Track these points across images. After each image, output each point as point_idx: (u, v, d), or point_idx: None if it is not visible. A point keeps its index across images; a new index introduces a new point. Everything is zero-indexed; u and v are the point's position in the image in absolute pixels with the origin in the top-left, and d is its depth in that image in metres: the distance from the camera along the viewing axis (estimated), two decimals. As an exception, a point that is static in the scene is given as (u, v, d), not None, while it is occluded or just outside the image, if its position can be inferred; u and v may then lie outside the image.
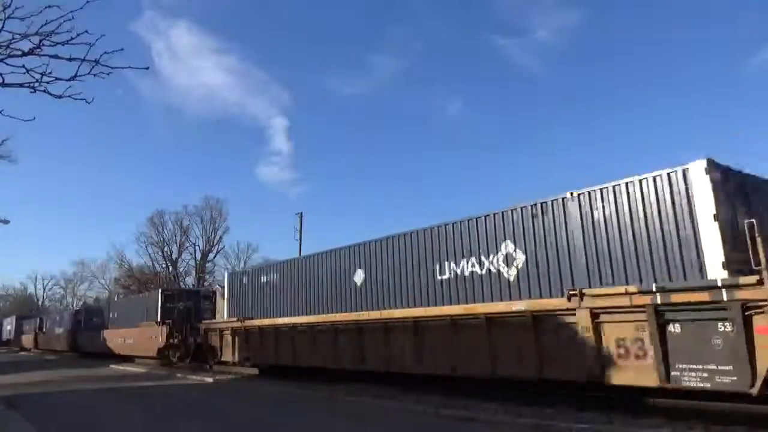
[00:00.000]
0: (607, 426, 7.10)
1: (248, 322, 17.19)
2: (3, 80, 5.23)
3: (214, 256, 61.49)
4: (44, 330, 44.26)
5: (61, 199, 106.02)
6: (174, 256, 60.39)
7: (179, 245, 60.35)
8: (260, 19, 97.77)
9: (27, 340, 48.58)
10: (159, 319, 24.18)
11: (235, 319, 18.32)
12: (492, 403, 9.15)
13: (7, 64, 5.05)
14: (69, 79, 5.06)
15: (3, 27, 5.03)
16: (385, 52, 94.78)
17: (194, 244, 60.79)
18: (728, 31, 71.70)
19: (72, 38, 4.70)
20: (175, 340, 22.69)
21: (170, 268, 59.77)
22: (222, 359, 18.44)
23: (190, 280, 58.30)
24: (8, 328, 57.21)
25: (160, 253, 60.10)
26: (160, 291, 26.08)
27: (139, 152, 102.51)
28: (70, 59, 4.87)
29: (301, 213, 36.99)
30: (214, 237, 60.61)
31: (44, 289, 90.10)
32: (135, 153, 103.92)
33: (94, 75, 4.95)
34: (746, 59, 73.65)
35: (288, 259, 19.68)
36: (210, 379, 16.65)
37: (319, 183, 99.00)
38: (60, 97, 5.34)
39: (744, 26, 69.67)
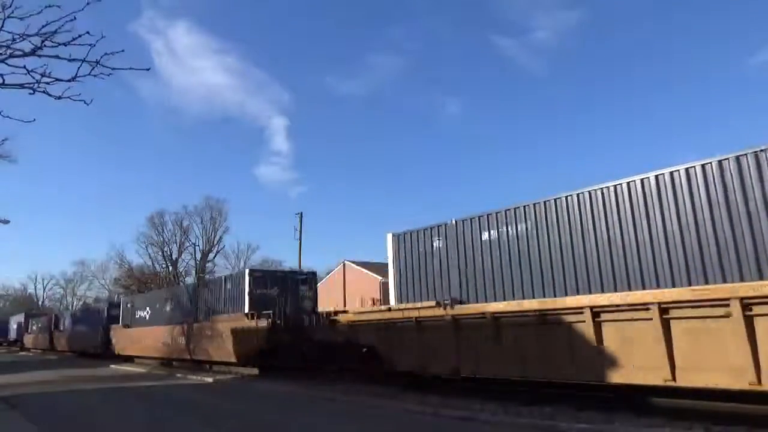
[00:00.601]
0: (608, 426, 7.10)
1: (463, 309, 10.81)
2: (3, 81, 5.23)
3: (214, 256, 61.53)
4: (61, 328, 40.01)
5: (61, 199, 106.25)
6: (174, 256, 60.50)
7: (179, 245, 60.45)
8: (260, 19, 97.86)
9: (39, 339, 45.05)
10: (248, 310, 17.83)
11: (432, 303, 11.73)
12: (492, 403, 9.15)
13: (8, 65, 5.05)
14: (69, 80, 5.06)
15: (2, 27, 5.03)
16: (385, 51, 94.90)
17: (194, 244, 60.86)
18: (728, 31, 71.70)
19: (74, 38, 4.71)
20: (286, 339, 16.24)
21: (170, 268, 59.83)
22: (398, 368, 12.07)
23: (189, 281, 58.37)
24: (14, 326, 54.59)
25: (160, 253, 60.21)
26: (247, 272, 19.36)
27: (138, 152, 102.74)
28: (70, 60, 4.87)
29: (301, 213, 36.93)
30: (214, 237, 60.67)
31: (44, 289, 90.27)
32: (135, 153, 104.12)
33: (95, 76, 4.95)
34: (746, 59, 73.67)
35: (565, 194, 10.98)
36: (210, 379, 16.66)
37: (318, 183, 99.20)
38: (59, 98, 5.33)
39: (744, 26, 69.63)
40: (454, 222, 13.56)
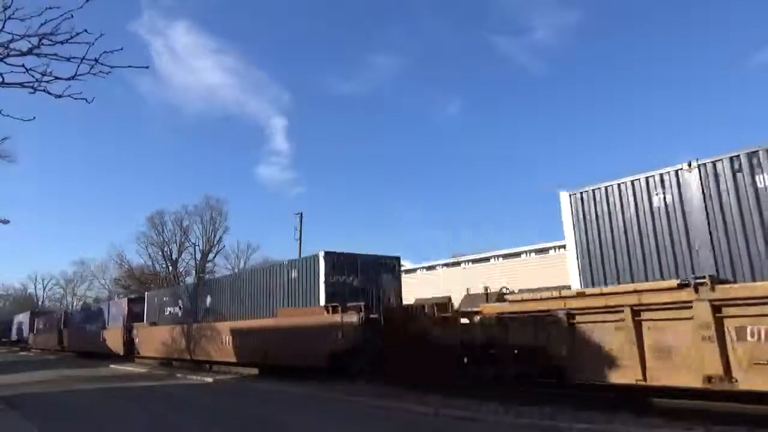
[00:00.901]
0: (608, 426, 7.08)
1: (738, 290, 7.31)
2: (3, 80, 5.23)
3: (214, 256, 61.43)
4: (73, 327, 38.06)
5: (61, 199, 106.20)
6: (174, 256, 60.43)
7: (179, 245, 60.38)
8: (259, 19, 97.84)
9: (46, 339, 42.90)
10: (325, 303, 15.06)
11: (672, 283, 8.01)
12: (492, 403, 9.13)
13: (7, 64, 5.05)
14: (68, 79, 5.06)
15: (3, 27, 5.03)
16: (385, 51, 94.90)
17: (194, 244, 60.77)
18: (728, 31, 71.60)
19: (71, 37, 4.71)
20: (387, 338, 13.25)
21: (170, 268, 59.79)
22: (586, 377, 8.92)
23: (189, 281, 58.29)
24: (18, 326, 53.21)
25: (160, 253, 60.14)
26: (322, 255, 16.00)
27: (138, 152, 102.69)
28: (69, 59, 4.88)
29: (301, 213, 36.72)
30: (214, 237, 60.56)
31: (44, 289, 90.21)
32: (135, 153, 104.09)
33: (94, 74, 4.96)
34: (746, 60, 73.60)
35: None
36: (210, 379, 16.65)
37: (318, 183, 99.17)
38: (60, 96, 5.33)
39: (744, 26, 69.52)
40: (691, 165, 9.28)
